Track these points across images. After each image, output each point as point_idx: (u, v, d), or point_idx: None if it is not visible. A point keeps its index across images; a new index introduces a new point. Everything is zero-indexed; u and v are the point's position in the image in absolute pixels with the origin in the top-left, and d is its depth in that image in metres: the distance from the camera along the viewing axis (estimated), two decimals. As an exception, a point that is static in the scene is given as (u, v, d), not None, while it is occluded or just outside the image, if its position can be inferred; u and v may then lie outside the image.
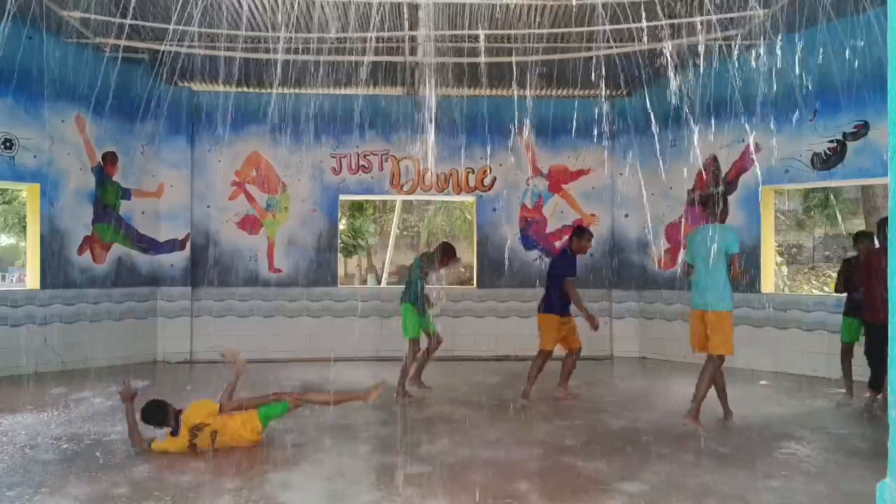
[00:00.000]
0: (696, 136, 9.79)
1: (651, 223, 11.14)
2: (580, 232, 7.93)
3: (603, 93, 10.92)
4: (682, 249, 10.16)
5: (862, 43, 8.01)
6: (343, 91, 11.14)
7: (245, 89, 11.11)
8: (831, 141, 9.18)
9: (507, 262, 11.17)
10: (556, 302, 7.77)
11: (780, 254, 14.47)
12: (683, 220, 10.64)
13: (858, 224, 23.23)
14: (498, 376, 9.53)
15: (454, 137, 10.99)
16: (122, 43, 9.14)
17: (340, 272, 12.97)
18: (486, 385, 8.92)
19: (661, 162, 10.16)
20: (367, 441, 6.08)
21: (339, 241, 12.78)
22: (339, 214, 11.96)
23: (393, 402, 7.67)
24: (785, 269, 17.57)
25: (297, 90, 10.82)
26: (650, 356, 11.11)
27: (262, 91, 11.03)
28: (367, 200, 21.25)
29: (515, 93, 10.63)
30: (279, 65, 9.39)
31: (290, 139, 10.81)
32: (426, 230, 26.63)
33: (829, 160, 9.22)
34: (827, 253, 26.48)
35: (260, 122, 10.90)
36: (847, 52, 8.00)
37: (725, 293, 6.43)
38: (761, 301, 9.68)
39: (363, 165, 11.37)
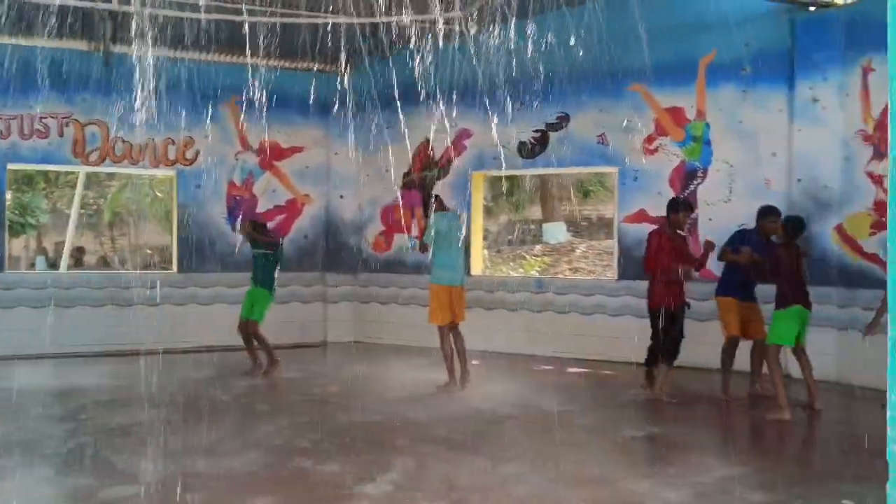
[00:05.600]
0: (413, 118, 9.66)
1: (366, 205, 10.94)
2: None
3: (326, 67, 10.42)
4: (405, 232, 10.17)
5: (571, 36, 8.25)
6: (15, 41, 9.17)
7: None
8: (536, 131, 9.68)
9: (213, 245, 10.20)
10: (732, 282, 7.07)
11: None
12: (399, 202, 10.54)
13: (536, 211, 25.79)
14: (210, 370, 8.53)
15: (152, 102, 9.67)
16: None
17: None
18: (193, 382, 7.91)
19: (377, 142, 9.97)
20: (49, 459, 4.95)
21: (6, 217, 10.63)
22: (6, 186, 9.98)
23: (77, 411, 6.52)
24: (486, 252, 18.66)
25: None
26: (364, 340, 10.89)
27: None
28: (43, 170, 18.22)
29: (227, 59, 9.67)
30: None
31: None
32: (108, 209, 23.87)
33: (533, 149, 9.72)
34: (509, 237, 29.10)
35: None
36: (554, 44, 8.21)
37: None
38: (473, 283, 9.89)
39: (38, 129, 9.52)
